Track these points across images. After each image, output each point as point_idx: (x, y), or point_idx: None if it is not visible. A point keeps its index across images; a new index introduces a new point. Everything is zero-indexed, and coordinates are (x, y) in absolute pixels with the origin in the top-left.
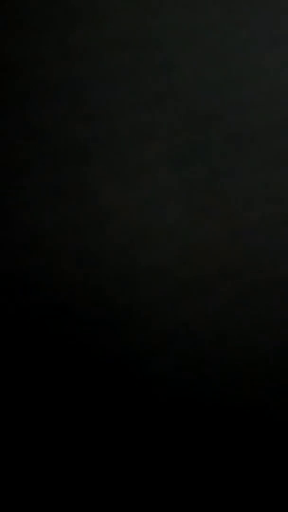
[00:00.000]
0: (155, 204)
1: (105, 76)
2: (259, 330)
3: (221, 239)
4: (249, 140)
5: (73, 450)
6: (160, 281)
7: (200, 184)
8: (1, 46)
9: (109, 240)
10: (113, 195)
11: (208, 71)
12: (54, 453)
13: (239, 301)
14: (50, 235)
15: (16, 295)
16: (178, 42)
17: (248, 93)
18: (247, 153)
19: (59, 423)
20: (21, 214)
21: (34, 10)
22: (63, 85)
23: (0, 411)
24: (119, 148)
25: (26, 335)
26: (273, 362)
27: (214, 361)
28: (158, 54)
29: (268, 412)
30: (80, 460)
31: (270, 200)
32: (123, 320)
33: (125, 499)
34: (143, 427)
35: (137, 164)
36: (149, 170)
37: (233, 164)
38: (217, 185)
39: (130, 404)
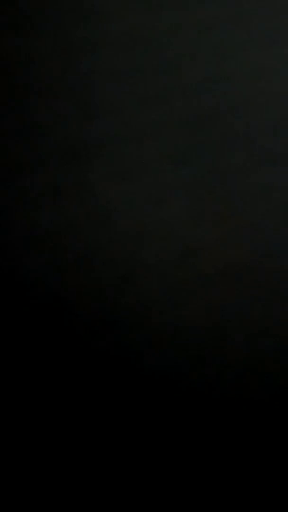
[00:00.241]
0: (155, 204)
1: (105, 76)
2: (259, 330)
3: (221, 239)
4: (249, 140)
5: (73, 446)
6: (160, 280)
7: (200, 184)
8: (1, 46)
9: (109, 240)
10: (113, 195)
11: (209, 71)
12: (54, 448)
13: (239, 301)
14: (50, 235)
15: (16, 294)
16: (179, 42)
17: (248, 93)
18: (247, 153)
19: (59, 420)
20: (21, 213)
21: (34, 10)
22: (63, 85)
23: (1, 409)
24: (119, 148)
25: (26, 333)
26: (272, 361)
27: (213, 360)
28: (159, 54)
29: (267, 410)
30: (80, 455)
31: (270, 200)
32: (123, 318)
33: (124, 492)
34: (142, 425)
35: (138, 163)
36: (149, 170)
37: (233, 164)
38: (217, 185)
39: (129, 401)
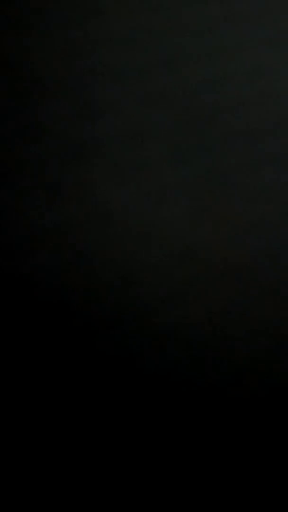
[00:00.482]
0: (155, 204)
1: (105, 76)
2: (259, 330)
3: (221, 239)
4: (250, 140)
5: (74, 446)
6: (160, 280)
7: (200, 184)
8: (1, 46)
9: (109, 239)
10: (113, 195)
11: (209, 71)
12: (55, 448)
13: (239, 301)
14: (50, 235)
15: (17, 294)
16: (179, 42)
17: (248, 92)
18: (247, 153)
19: (60, 419)
20: (21, 213)
21: (34, 10)
22: (63, 85)
23: (1, 410)
24: (119, 148)
25: (26, 332)
26: (273, 361)
27: (214, 360)
28: (159, 54)
29: (267, 409)
30: (81, 454)
31: (270, 200)
32: (123, 318)
33: (124, 491)
34: (143, 425)
35: (138, 163)
36: (149, 170)
37: (233, 163)
38: (217, 185)
39: (129, 401)
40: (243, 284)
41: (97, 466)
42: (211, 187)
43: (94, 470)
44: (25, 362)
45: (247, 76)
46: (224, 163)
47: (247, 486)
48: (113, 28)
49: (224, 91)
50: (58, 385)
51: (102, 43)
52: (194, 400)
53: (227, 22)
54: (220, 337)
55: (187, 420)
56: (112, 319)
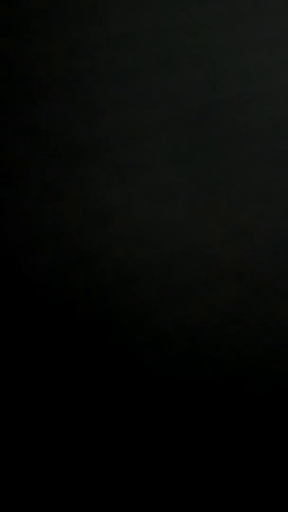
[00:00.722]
0: (155, 203)
1: (105, 75)
2: (258, 329)
3: (221, 238)
4: (250, 139)
5: (74, 446)
6: (160, 280)
7: (200, 184)
8: (1, 46)
9: (109, 239)
10: (113, 195)
11: (209, 71)
12: (55, 447)
13: (239, 300)
14: (50, 235)
15: (17, 294)
16: (179, 42)
17: (248, 92)
18: (247, 153)
19: (60, 419)
20: (22, 214)
21: (34, 10)
22: (63, 85)
23: (2, 411)
24: (119, 148)
25: (27, 332)
26: (273, 361)
27: (214, 360)
28: (159, 54)
29: (267, 409)
30: (81, 454)
31: (270, 200)
32: (124, 318)
33: (125, 490)
34: (143, 424)
35: (138, 163)
36: (150, 170)
37: (234, 163)
38: (217, 185)
39: (130, 401)
40: (243, 283)
41: (97, 466)
42: (211, 187)
43: (94, 470)
44: (25, 361)
45: (247, 76)
46: (224, 163)
47: (248, 485)
48: (113, 28)
49: (224, 91)
50: (59, 385)
51: (102, 43)
52: (195, 400)
53: (227, 22)
54: (220, 336)
55: (187, 420)
56: (112, 319)
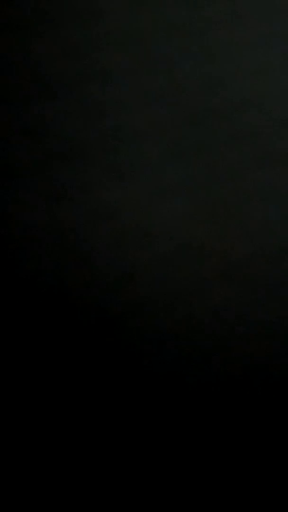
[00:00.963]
0: (155, 203)
1: (105, 74)
2: (258, 329)
3: (221, 237)
4: (250, 139)
5: (74, 446)
6: (160, 280)
7: (201, 184)
8: (1, 46)
9: (109, 239)
10: (113, 195)
11: (209, 69)
12: (55, 446)
13: (239, 300)
14: (50, 235)
15: (17, 294)
16: (179, 40)
17: (248, 91)
18: (247, 152)
19: (60, 418)
20: (22, 213)
21: (34, 10)
22: (63, 85)
23: (2, 411)
24: (119, 148)
25: (27, 332)
26: (273, 360)
27: (214, 360)
28: (159, 52)
29: (268, 409)
30: (80, 454)
31: (270, 200)
32: (123, 318)
33: (125, 489)
34: (143, 424)
35: (138, 163)
36: (150, 169)
37: (234, 163)
38: (217, 184)
39: (129, 400)
40: (243, 282)
41: (97, 466)
42: (211, 186)
43: (94, 470)
44: (25, 361)
45: (247, 76)
46: (224, 163)
47: (248, 485)
48: (113, 28)
49: (224, 91)
50: (58, 384)
51: (102, 43)
52: (195, 400)
53: (227, 22)
54: (220, 336)
55: (187, 420)
56: (112, 318)
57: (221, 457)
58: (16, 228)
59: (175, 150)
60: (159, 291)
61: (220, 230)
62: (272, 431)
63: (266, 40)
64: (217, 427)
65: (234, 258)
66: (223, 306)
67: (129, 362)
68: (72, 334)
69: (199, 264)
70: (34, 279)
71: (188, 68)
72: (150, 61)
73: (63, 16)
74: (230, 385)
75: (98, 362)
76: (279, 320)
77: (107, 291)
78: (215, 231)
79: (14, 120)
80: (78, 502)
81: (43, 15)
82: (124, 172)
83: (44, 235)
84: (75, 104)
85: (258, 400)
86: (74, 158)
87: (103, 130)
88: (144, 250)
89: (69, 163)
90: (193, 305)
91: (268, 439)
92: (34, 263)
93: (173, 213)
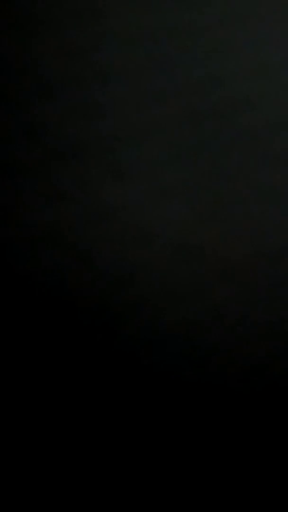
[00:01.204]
0: (155, 203)
1: (105, 74)
2: (258, 330)
3: (221, 238)
4: (250, 139)
5: (74, 446)
6: (160, 280)
7: (200, 184)
8: (1, 46)
9: (109, 239)
10: (113, 195)
11: (209, 69)
12: (55, 446)
13: (239, 300)
14: (50, 235)
15: (17, 294)
16: (179, 40)
17: (248, 92)
18: (247, 152)
19: (60, 418)
20: (21, 213)
21: (34, 10)
22: (63, 85)
23: (3, 412)
24: (119, 148)
25: (26, 331)
26: (273, 360)
27: (214, 360)
28: (159, 54)
29: (268, 409)
30: (80, 453)
31: (270, 200)
32: (123, 317)
33: (125, 489)
34: (143, 424)
35: (138, 163)
36: (150, 169)
37: (233, 163)
38: (217, 184)
39: (129, 400)
40: (243, 282)
41: (97, 465)
42: (211, 187)
43: (94, 469)
44: (25, 361)
45: (247, 76)
46: (224, 163)
47: (248, 486)
48: (113, 28)
49: (224, 91)
50: (59, 384)
51: (102, 43)
52: (195, 400)
53: (227, 22)
54: (220, 336)
55: (187, 420)
56: (112, 318)
57: (221, 457)
58: (16, 228)
59: (175, 150)
60: (159, 291)
61: (220, 230)
62: (272, 431)
63: (266, 40)
64: (217, 427)
65: (234, 258)
66: (223, 306)
67: (129, 362)
68: (72, 334)
69: (199, 264)
70: (34, 279)
71: (188, 68)
72: (150, 61)
73: (63, 16)
74: (230, 385)
75: (98, 361)
76: (279, 320)
77: (107, 291)
78: (215, 231)
79: (14, 120)
80: (78, 502)
81: (43, 15)
82: (124, 172)
83: (44, 235)
84: (75, 104)
85: (258, 400)
86: (74, 158)
87: (103, 130)
88: (144, 250)
89: (69, 163)
90: (193, 305)
91: (268, 439)
92: (34, 263)
93: (173, 213)
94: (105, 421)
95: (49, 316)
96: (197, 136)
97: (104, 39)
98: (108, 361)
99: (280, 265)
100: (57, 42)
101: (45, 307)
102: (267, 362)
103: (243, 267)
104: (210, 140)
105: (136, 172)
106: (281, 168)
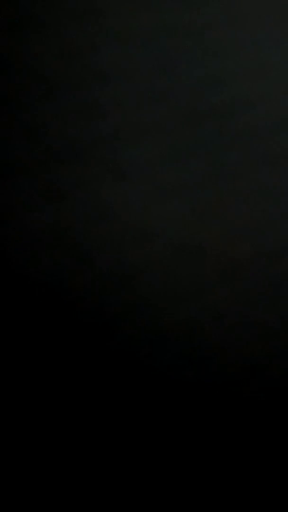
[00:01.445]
0: (155, 203)
1: (105, 75)
2: (258, 330)
3: (221, 237)
4: (250, 139)
5: (74, 446)
6: (161, 279)
7: (200, 184)
8: (2, 46)
9: (109, 240)
10: (113, 194)
11: (209, 71)
12: (55, 446)
13: (239, 300)
14: (50, 235)
15: (17, 293)
16: (179, 40)
17: (248, 92)
18: (247, 152)
19: (60, 418)
20: (21, 213)
21: (34, 10)
22: (63, 85)
23: (3, 412)
24: (119, 147)
25: (26, 331)
26: (273, 360)
27: (214, 360)
28: (159, 53)
29: (268, 410)
30: (80, 453)
31: (270, 200)
32: (123, 317)
33: (125, 488)
34: (143, 424)
35: (137, 163)
36: (149, 170)
37: (233, 163)
38: (217, 184)
39: (129, 400)
40: (243, 282)
41: (97, 465)
42: (211, 187)
43: (94, 469)
44: (25, 361)
45: (247, 76)
46: (224, 163)
47: (248, 486)
48: (113, 28)
49: (224, 91)
50: (58, 385)
51: (102, 43)
52: (195, 400)
53: (227, 22)
54: (221, 336)
55: (187, 420)
56: (112, 318)
57: (221, 457)
58: (16, 228)
59: (175, 150)
60: (159, 291)
61: (220, 230)
62: (272, 431)
63: (266, 40)
64: (217, 427)
65: (234, 258)
66: (223, 306)
67: (129, 362)
68: (71, 334)
69: (199, 264)
70: (34, 279)
71: (188, 68)
72: (150, 61)
73: (63, 16)
74: (230, 385)
75: (98, 362)
76: (279, 320)
77: (107, 291)
78: (215, 231)
79: (14, 120)
80: (78, 502)
81: (43, 15)
82: (124, 172)
83: (44, 235)
84: (75, 104)
85: (258, 400)
86: (74, 158)
87: (103, 130)
88: (144, 250)
89: (69, 163)
90: (193, 305)
91: (268, 439)
92: (34, 263)
93: (173, 213)
94: (105, 421)
95: (49, 316)
96: (197, 136)
97: (104, 39)
98: (108, 361)
99: (280, 265)
100: (57, 42)
101: (45, 307)
102: (267, 362)
103: (243, 267)
104: (210, 140)
105: (136, 172)
106: (281, 168)
